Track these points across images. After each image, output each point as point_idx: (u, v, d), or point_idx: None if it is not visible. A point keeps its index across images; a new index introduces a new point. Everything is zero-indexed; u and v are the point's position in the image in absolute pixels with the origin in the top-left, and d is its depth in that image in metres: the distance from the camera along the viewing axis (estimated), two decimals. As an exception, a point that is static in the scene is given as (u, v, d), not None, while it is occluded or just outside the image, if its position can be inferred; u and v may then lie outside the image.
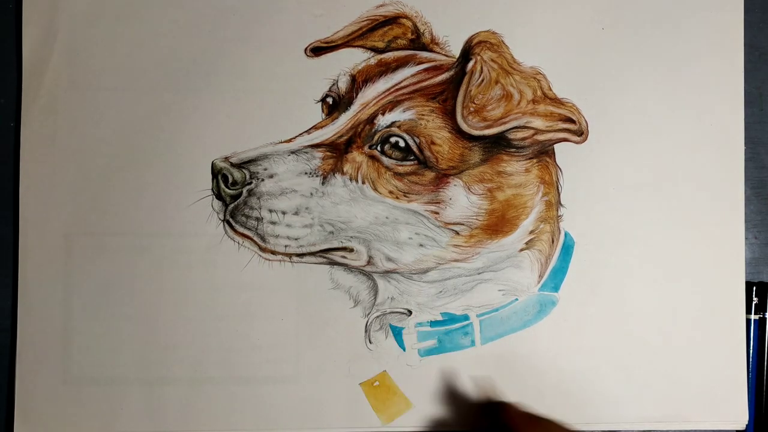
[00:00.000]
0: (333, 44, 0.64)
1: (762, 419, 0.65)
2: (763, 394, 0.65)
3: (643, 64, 0.65)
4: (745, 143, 0.66)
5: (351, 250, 0.62)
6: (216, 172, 0.62)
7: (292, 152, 0.62)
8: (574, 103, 0.64)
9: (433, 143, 0.61)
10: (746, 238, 0.66)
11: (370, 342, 0.64)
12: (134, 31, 0.65)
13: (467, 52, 0.63)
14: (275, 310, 0.64)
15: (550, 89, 0.64)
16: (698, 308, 0.65)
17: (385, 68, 0.63)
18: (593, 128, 0.64)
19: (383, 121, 0.61)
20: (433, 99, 0.62)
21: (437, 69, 0.63)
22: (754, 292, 0.65)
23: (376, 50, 0.65)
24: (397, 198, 0.61)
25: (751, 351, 0.65)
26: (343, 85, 0.63)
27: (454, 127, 0.61)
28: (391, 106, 0.62)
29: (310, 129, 0.63)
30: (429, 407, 0.63)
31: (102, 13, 0.65)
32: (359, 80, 0.63)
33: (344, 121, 0.62)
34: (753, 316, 0.65)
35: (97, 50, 0.64)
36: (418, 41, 0.65)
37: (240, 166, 0.61)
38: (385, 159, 0.61)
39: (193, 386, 0.63)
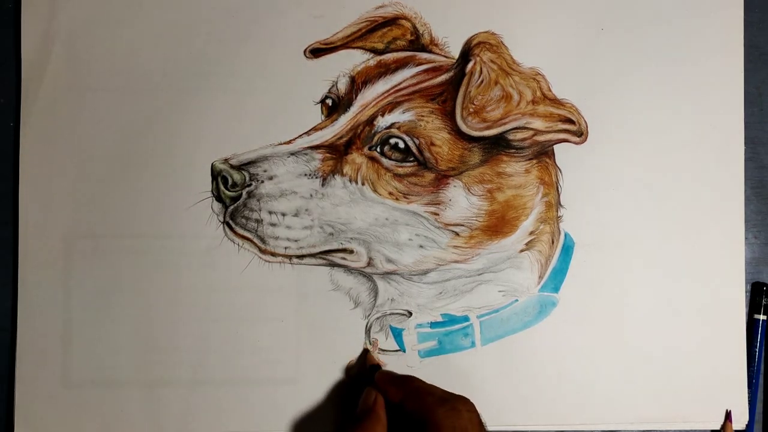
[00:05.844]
0: (332, 45, 0.64)
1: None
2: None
3: (643, 65, 0.65)
4: (745, 143, 0.66)
5: (351, 252, 0.62)
6: (216, 174, 0.62)
7: (292, 154, 0.62)
8: (574, 104, 0.64)
9: (432, 144, 0.61)
10: (746, 238, 0.66)
11: (371, 344, 0.64)
12: (134, 32, 0.64)
13: (467, 53, 0.63)
14: (275, 312, 0.64)
15: (550, 90, 0.64)
16: (698, 308, 0.65)
17: (385, 69, 0.63)
18: (593, 129, 0.64)
19: (383, 122, 0.61)
20: (433, 100, 0.62)
21: (437, 70, 0.63)
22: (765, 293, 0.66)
23: (376, 51, 0.64)
24: (396, 199, 0.61)
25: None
26: (342, 86, 0.63)
27: (454, 128, 0.61)
28: (391, 107, 0.62)
29: (309, 130, 0.63)
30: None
31: (101, 14, 0.65)
32: (358, 81, 0.63)
33: (344, 122, 0.62)
34: (762, 317, 0.66)
35: (96, 51, 0.64)
36: (418, 42, 0.65)
37: (239, 167, 0.61)
38: (384, 160, 0.61)
39: (193, 388, 0.63)
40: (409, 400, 0.56)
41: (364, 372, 0.63)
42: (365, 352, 0.64)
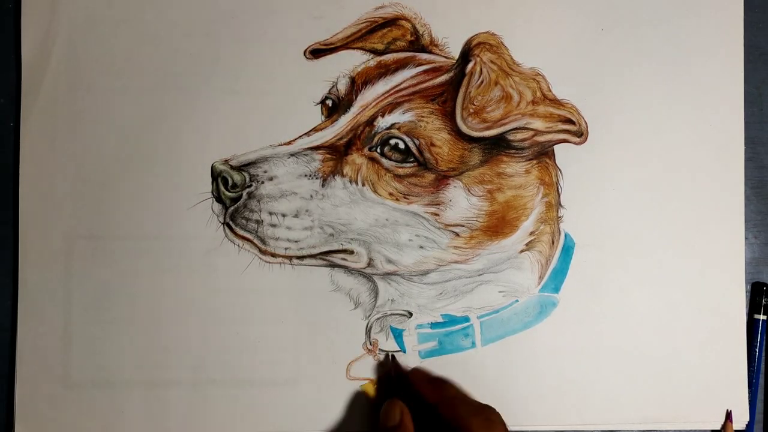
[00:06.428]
0: (332, 46, 0.64)
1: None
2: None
3: (643, 65, 0.65)
4: (745, 143, 0.66)
5: (351, 253, 0.62)
6: (216, 175, 0.62)
7: (292, 154, 0.62)
8: (574, 104, 0.64)
9: (432, 145, 0.61)
10: (746, 238, 0.66)
11: (371, 344, 0.64)
12: (134, 32, 0.64)
13: (467, 54, 0.62)
14: (276, 313, 0.64)
15: (550, 90, 0.64)
16: (698, 308, 0.65)
17: (385, 70, 0.63)
18: (593, 129, 0.64)
19: (383, 122, 0.61)
20: (433, 100, 0.62)
21: (437, 70, 0.63)
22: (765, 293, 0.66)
23: (376, 52, 0.64)
24: (397, 200, 0.61)
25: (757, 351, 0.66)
26: (342, 87, 0.63)
27: (454, 129, 0.61)
28: (391, 107, 0.62)
29: (309, 131, 0.63)
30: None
31: (102, 14, 0.65)
32: (359, 82, 0.63)
33: (344, 123, 0.62)
34: (762, 317, 0.66)
35: (96, 51, 0.64)
36: (418, 43, 0.65)
37: (240, 168, 0.61)
38: (384, 161, 0.61)
39: (194, 389, 0.63)
40: (444, 406, 0.59)
41: (397, 377, 0.63)
42: (394, 358, 0.64)
